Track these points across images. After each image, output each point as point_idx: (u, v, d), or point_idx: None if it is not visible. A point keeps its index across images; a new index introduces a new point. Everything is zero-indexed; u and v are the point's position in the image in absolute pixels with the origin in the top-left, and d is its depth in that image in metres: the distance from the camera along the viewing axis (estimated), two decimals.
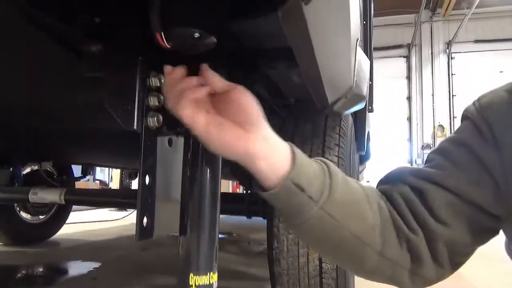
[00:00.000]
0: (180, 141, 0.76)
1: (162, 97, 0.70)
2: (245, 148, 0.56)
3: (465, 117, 0.71)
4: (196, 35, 0.61)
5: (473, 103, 0.70)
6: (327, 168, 0.61)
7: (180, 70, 0.62)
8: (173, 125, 0.73)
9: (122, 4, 0.69)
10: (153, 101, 0.68)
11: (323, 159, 0.65)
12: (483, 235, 0.65)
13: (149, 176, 0.68)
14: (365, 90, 1.25)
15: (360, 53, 1.29)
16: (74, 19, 0.67)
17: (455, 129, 0.73)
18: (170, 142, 0.75)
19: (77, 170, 3.82)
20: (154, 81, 0.68)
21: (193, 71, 0.72)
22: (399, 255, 0.62)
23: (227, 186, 6.20)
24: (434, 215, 0.62)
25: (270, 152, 0.57)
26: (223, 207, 1.80)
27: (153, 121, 0.67)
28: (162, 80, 0.70)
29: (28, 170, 3.29)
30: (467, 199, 0.62)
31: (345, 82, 1.07)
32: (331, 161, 1.32)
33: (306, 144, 1.33)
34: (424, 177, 0.66)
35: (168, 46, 0.62)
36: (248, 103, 0.58)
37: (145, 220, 0.66)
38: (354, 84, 1.12)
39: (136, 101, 0.65)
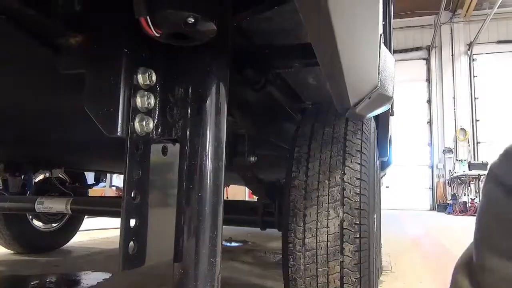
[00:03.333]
0: (176, 149, 0.64)
1: (153, 98, 0.59)
2: None
3: None
4: (190, 20, 0.50)
5: None
6: None
7: None
8: (168, 129, 0.62)
9: None
10: (141, 102, 0.57)
11: None
12: None
13: (137, 193, 0.57)
14: (391, 90, 1.11)
15: (384, 49, 1.16)
16: (49, 6, 0.56)
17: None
18: (164, 151, 0.64)
19: (91, 176, 3.77)
20: (142, 78, 0.57)
21: (192, 69, 0.61)
22: None
23: (243, 193, 6.07)
24: None
25: None
26: (235, 218, 1.69)
27: (141, 126, 0.56)
28: (154, 78, 0.59)
29: (41, 177, 3.25)
30: None
31: (369, 81, 0.94)
32: (353, 169, 1.20)
33: (324, 150, 1.20)
34: None
35: (157, 34, 0.51)
36: None
37: (131, 245, 0.54)
38: (379, 83, 0.99)
39: (120, 102, 0.54)
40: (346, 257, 1.10)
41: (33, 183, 2.94)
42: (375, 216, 1.44)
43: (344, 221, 1.11)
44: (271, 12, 0.85)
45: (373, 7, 0.76)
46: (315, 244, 1.12)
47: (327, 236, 1.11)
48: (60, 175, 3.19)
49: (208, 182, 0.58)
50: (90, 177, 3.81)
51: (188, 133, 0.60)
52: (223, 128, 0.61)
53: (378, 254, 2.29)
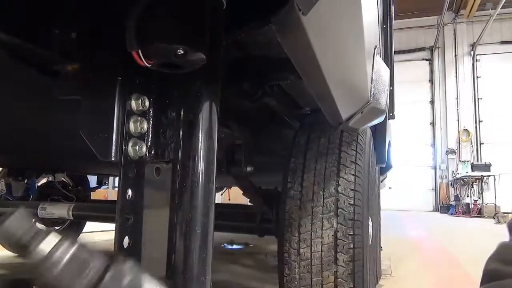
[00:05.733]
0: (169, 169, 0.67)
1: (146, 123, 0.61)
2: None
3: None
4: (180, 52, 0.53)
5: None
6: None
7: None
8: (161, 152, 0.65)
9: (100, 17, 0.61)
10: (134, 127, 0.59)
11: None
12: None
13: (131, 214, 0.59)
14: (384, 103, 1.13)
15: (379, 62, 1.18)
16: (46, 37, 0.59)
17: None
18: (157, 171, 0.66)
19: (93, 179, 3.81)
20: (136, 104, 0.59)
21: (182, 92, 0.63)
22: None
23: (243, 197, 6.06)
24: None
25: None
26: (233, 225, 1.71)
27: (134, 150, 0.59)
28: (147, 103, 0.61)
29: (44, 181, 3.28)
30: None
31: (361, 97, 0.97)
32: (347, 180, 1.22)
33: (319, 161, 1.22)
34: None
35: (148, 65, 0.54)
36: None
37: None
38: (372, 97, 1.01)
39: (114, 127, 0.57)
40: (340, 267, 1.12)
41: (36, 187, 2.97)
42: (370, 224, 1.46)
43: (338, 231, 1.13)
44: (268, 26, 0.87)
45: (358, 30, 0.78)
46: (309, 254, 1.14)
47: (322, 246, 1.14)
48: (63, 179, 3.23)
49: (199, 203, 0.61)
50: (92, 180, 3.85)
51: (180, 155, 0.63)
52: (214, 150, 0.64)
53: (378, 258, 2.31)
